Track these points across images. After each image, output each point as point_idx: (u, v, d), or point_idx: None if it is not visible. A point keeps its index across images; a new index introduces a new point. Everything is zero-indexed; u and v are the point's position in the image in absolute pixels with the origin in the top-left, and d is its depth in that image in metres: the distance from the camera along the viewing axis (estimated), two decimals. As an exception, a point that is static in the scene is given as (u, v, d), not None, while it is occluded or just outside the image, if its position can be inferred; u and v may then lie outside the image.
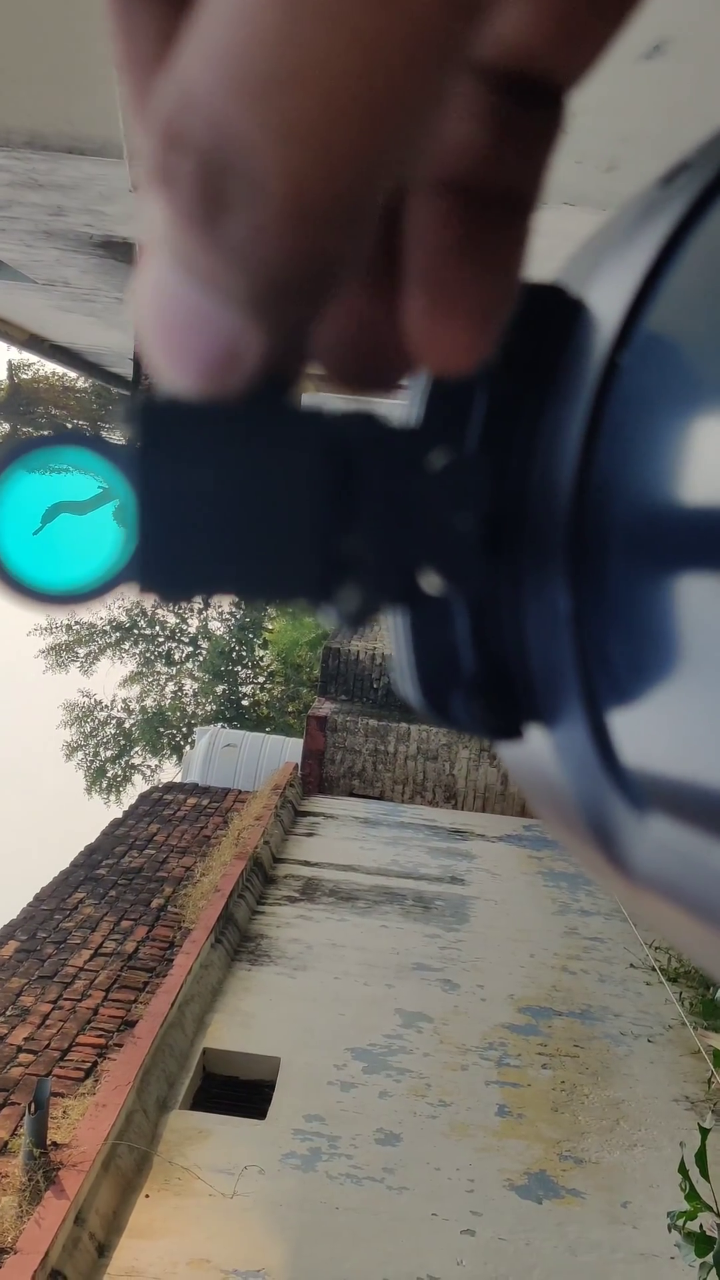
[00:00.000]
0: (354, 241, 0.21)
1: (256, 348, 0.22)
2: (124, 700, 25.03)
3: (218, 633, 25.17)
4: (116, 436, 0.27)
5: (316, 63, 0.18)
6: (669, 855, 0.23)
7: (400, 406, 0.28)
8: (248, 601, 0.26)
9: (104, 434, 0.26)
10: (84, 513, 0.26)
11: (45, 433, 0.25)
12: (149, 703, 24.88)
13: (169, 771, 23.58)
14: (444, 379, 0.27)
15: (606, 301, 0.25)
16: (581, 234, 0.31)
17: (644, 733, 0.23)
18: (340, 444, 0.25)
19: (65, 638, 24.57)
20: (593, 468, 0.24)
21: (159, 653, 25.17)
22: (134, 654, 25.11)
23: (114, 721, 24.79)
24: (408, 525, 0.26)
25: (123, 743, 24.61)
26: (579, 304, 0.27)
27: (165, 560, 0.25)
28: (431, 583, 0.26)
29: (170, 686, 25.18)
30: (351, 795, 11.81)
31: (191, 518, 0.25)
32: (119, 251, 6.63)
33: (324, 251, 0.20)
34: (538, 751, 0.28)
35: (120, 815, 10.44)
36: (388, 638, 0.31)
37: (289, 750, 13.37)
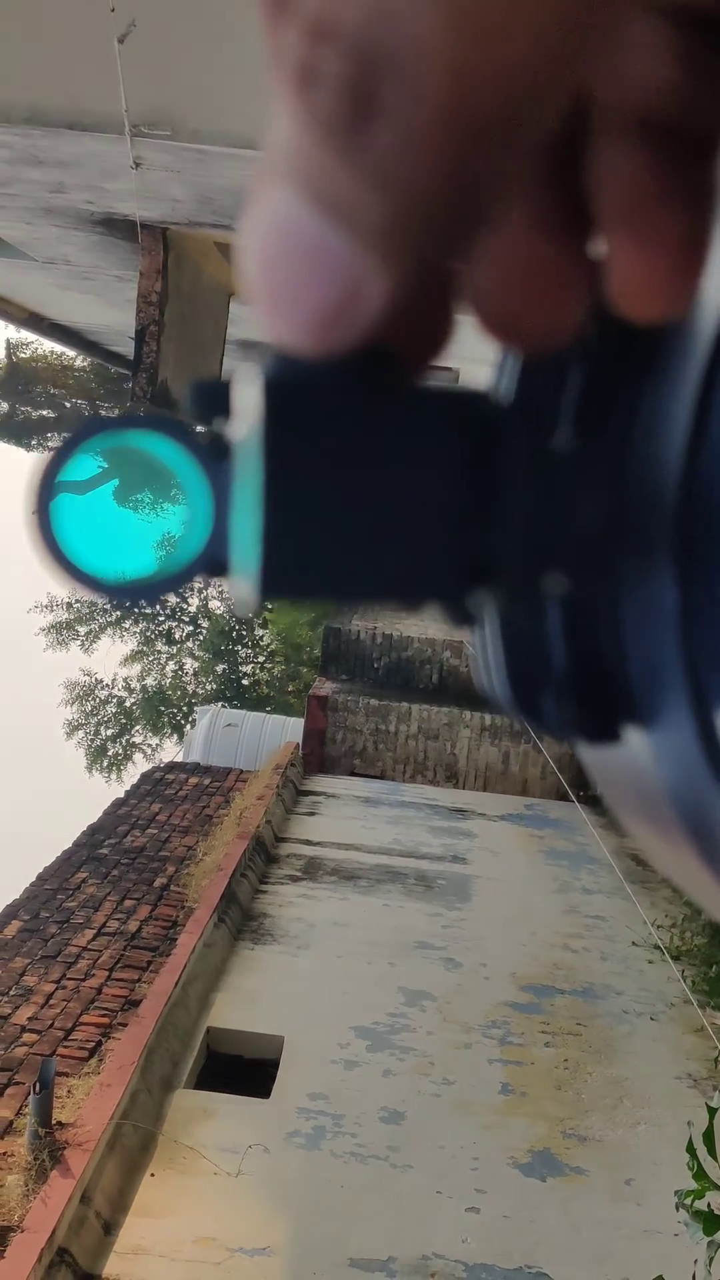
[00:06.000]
0: (515, 166, 0.18)
1: (380, 292, 0.19)
2: (125, 679, 25.09)
3: (218, 612, 25.16)
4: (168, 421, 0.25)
5: None
6: None
7: (490, 386, 0.26)
8: (372, 606, 0.24)
9: (181, 420, 0.24)
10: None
11: (113, 414, 0.24)
12: (149, 682, 24.91)
13: (170, 751, 23.64)
14: (537, 354, 0.25)
15: (714, 268, 0.24)
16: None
17: None
18: (471, 427, 0.23)
19: (66, 616, 24.58)
20: (703, 450, 0.23)
21: (159, 632, 25.17)
22: (134, 633, 25.12)
23: (115, 700, 24.82)
24: (544, 522, 0.24)
25: (123, 721, 24.64)
26: None
27: (288, 558, 0.23)
28: (557, 583, 0.24)
29: (171, 665, 25.21)
30: (353, 774, 11.83)
31: (316, 511, 0.23)
32: (119, 229, 6.60)
33: (480, 173, 0.18)
34: (632, 754, 0.26)
35: (122, 795, 10.46)
36: (470, 633, 0.29)
37: (290, 730, 13.38)
